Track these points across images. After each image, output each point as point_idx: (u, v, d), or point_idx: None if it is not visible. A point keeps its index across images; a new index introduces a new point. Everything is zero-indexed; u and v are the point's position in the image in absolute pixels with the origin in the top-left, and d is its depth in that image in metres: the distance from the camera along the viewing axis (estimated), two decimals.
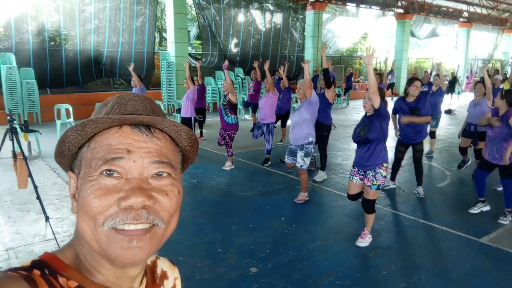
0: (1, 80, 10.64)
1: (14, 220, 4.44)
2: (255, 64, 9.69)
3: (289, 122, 5.82)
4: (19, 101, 10.75)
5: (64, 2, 12.16)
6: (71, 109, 9.85)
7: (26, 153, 6.32)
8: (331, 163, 7.24)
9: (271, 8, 17.40)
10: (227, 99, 6.65)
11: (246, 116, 12.82)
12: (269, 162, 7.15)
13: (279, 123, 8.62)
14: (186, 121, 7.87)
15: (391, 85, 16.41)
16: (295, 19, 18.27)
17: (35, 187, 3.99)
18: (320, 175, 6.33)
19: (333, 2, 18.08)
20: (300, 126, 5.09)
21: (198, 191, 5.80)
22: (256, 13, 16.94)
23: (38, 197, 4.02)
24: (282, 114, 8.44)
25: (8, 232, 4.16)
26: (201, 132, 9.55)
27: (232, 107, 6.66)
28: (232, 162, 6.92)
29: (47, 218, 4.03)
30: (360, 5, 19.24)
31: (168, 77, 13.35)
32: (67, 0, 12.18)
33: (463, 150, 6.65)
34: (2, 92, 10.73)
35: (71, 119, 9.66)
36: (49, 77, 12.12)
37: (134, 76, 8.61)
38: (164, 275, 0.81)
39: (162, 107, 11.38)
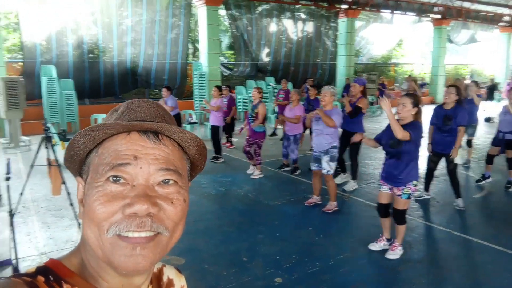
0: (42, 91, 11.18)
1: (48, 226, 4.62)
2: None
3: None
4: (58, 111, 11.24)
5: (103, 15, 12.68)
6: None
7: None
8: (362, 172, 7.09)
9: (303, 17, 17.40)
10: (256, 110, 6.73)
11: (279, 126, 12.77)
12: (298, 171, 7.08)
13: (307, 131, 8.54)
14: (214, 129, 7.96)
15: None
16: (327, 27, 18.17)
17: (68, 194, 4.14)
18: (351, 185, 6.20)
19: (367, 9, 17.85)
20: (325, 134, 5.01)
21: (226, 200, 5.82)
22: (288, 22, 16.99)
23: (71, 204, 4.16)
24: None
25: (42, 237, 4.33)
26: (231, 141, 9.61)
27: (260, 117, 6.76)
28: (261, 171, 6.92)
29: (79, 224, 4.16)
30: (395, 12, 18.88)
31: (200, 87, 13.56)
32: (105, 13, 12.70)
33: (489, 159, 6.37)
34: (42, 103, 11.27)
35: None
36: (88, 88, 12.64)
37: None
38: (170, 283, 0.80)
39: (194, 117, 11.55)
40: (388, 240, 4.12)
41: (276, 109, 11.55)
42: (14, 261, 3.29)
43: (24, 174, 6.79)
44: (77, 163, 0.67)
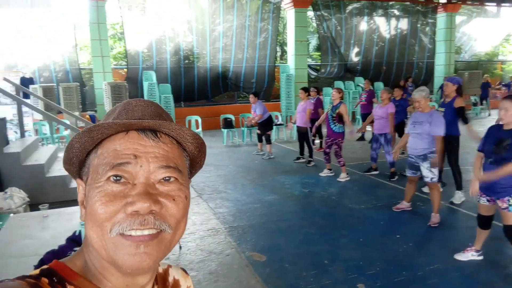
0: (144, 95, 12.20)
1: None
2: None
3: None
4: None
5: (197, 23, 13.49)
6: (200, 120, 10.77)
7: None
8: None
9: (397, 13, 16.57)
10: (336, 111, 6.63)
11: (368, 128, 12.34)
12: (396, 177, 6.61)
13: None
14: (301, 131, 7.93)
15: None
16: (424, 23, 17.10)
17: None
18: (458, 196, 5.47)
19: (469, 3, 16.43)
20: (424, 139, 4.62)
21: (309, 201, 5.77)
22: (380, 20, 16.34)
23: None
24: (398, 124, 7.50)
25: None
26: (321, 142, 9.46)
27: (340, 119, 6.68)
28: (347, 174, 6.73)
29: None
30: (502, 4, 17.12)
31: (287, 89, 13.65)
32: (199, 21, 13.49)
33: None
34: None
35: (200, 129, 10.54)
36: (183, 92, 13.51)
37: None
38: (176, 284, 0.79)
39: (280, 118, 11.65)
40: (477, 251, 3.74)
41: (359, 110, 11.16)
42: None
43: None
44: (77, 165, 0.66)
